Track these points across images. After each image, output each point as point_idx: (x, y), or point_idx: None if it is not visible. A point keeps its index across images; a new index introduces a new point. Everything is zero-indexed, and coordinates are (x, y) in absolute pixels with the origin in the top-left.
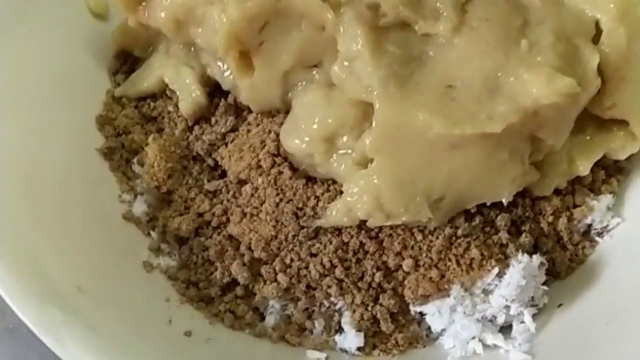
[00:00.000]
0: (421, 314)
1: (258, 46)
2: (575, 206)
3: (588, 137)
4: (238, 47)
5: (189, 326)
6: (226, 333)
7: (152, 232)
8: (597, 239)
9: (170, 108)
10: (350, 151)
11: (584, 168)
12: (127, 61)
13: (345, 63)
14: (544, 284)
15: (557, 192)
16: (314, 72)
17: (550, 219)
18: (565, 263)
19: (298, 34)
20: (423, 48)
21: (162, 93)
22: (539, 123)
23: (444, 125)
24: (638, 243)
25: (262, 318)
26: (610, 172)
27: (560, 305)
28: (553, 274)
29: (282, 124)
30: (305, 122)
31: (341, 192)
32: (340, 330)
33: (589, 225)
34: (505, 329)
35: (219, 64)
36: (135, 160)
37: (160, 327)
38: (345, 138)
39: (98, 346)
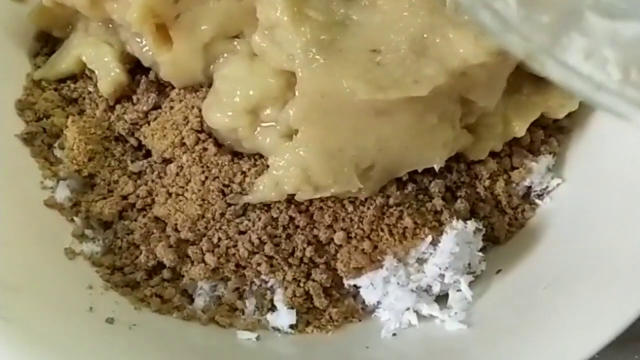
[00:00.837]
0: (356, 287)
1: (175, 19)
2: (513, 168)
3: (524, 97)
4: (153, 20)
5: (111, 313)
6: (152, 318)
7: (75, 218)
8: (537, 201)
9: (91, 88)
10: (274, 123)
11: (520, 129)
12: (48, 43)
13: (266, 32)
14: (482, 250)
15: (493, 155)
16: (235, 43)
17: (487, 182)
18: (504, 228)
19: (216, 4)
20: (346, 12)
21: (82, 73)
22: (468, 84)
23: (368, 90)
24: (579, 204)
25: (192, 300)
26: (550, 131)
27: (499, 272)
28: (492, 240)
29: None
30: (227, 96)
31: (268, 167)
32: (273, 308)
33: (529, 188)
34: (443, 299)
35: (138, 39)
36: (56, 144)
37: (80, 315)
38: (269, 110)
39: (11, 338)
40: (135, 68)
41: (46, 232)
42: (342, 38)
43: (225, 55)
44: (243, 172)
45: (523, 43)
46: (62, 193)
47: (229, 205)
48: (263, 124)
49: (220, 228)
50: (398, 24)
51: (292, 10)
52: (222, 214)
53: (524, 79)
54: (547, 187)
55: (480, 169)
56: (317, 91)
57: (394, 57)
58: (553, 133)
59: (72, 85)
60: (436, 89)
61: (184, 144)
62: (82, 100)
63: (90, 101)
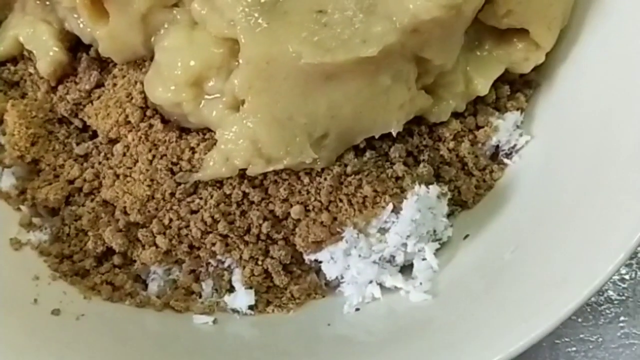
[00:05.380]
0: (317, 261)
1: None
2: (478, 128)
3: (486, 52)
4: None
5: (58, 304)
6: (103, 306)
7: (22, 207)
8: (505, 160)
9: (32, 70)
10: (219, 95)
11: (482, 87)
12: None
13: None
14: (449, 215)
15: (457, 115)
16: (175, 12)
17: (451, 144)
18: (471, 191)
19: None
20: None
21: (22, 55)
22: (421, 42)
23: (314, 54)
24: (549, 161)
25: (146, 286)
26: (517, 86)
27: (466, 237)
28: (460, 204)
29: None
30: (168, 69)
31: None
32: (232, 289)
33: (496, 147)
34: (409, 269)
35: (75, 15)
36: None
37: (22, 307)
38: (212, 81)
39: None
40: (77, 46)
41: None
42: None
43: (166, 25)
44: (192, 149)
45: None
46: (8, 181)
47: (179, 184)
48: (207, 97)
49: (170, 208)
50: None
51: None
52: (172, 194)
53: (484, 33)
54: (515, 145)
55: (443, 131)
56: (262, 58)
57: (341, 17)
58: (520, 88)
59: (12, 68)
60: (387, 48)
61: (128, 122)
62: (23, 83)
63: (31, 83)
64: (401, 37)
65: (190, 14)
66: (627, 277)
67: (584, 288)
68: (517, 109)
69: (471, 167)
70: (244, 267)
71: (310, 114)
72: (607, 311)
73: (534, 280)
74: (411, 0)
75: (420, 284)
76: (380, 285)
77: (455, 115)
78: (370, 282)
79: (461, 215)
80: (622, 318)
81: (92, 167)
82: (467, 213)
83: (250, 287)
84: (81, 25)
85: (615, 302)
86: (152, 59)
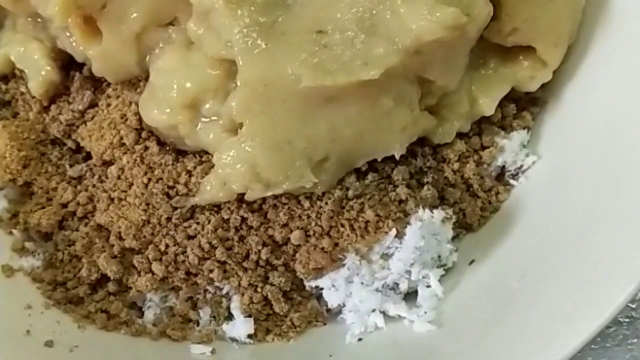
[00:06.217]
0: (319, 287)
1: (101, 9)
2: (483, 148)
3: (491, 71)
4: (78, 12)
5: (51, 335)
6: (97, 336)
7: (14, 231)
8: (511, 182)
9: (23, 89)
10: (216, 118)
11: (487, 107)
12: None
13: (202, 17)
14: (454, 239)
15: (461, 135)
16: (171, 31)
17: (456, 165)
18: (477, 213)
19: None
20: None
21: (13, 73)
22: (423, 63)
23: (313, 77)
24: (557, 181)
25: (142, 314)
26: (523, 104)
27: (472, 262)
28: (465, 227)
29: None
30: (163, 90)
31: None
32: (230, 317)
33: (502, 168)
34: (413, 295)
35: (68, 34)
36: None
37: (15, 339)
38: (209, 103)
39: None
40: (69, 64)
41: None
42: (285, 19)
43: (161, 45)
44: (188, 172)
45: None
46: None
47: (175, 208)
48: (204, 119)
49: (167, 234)
50: (344, 0)
51: None
52: (169, 219)
53: (489, 51)
54: (521, 165)
55: (447, 152)
56: (260, 80)
57: (341, 38)
58: (526, 106)
59: (4, 87)
60: (389, 70)
61: (123, 144)
62: (14, 102)
63: (23, 103)
64: (403, 58)
65: (186, 33)
66: (636, 297)
67: (593, 321)
68: (524, 128)
69: (476, 189)
70: (243, 294)
71: (310, 138)
72: (616, 333)
73: (542, 311)
74: (414, 21)
75: (425, 313)
76: (384, 313)
77: (460, 135)
78: (373, 310)
79: (466, 238)
80: (630, 340)
81: (86, 190)
82: (473, 236)
83: (249, 315)
84: (74, 44)
85: (624, 324)
86: (147, 78)
